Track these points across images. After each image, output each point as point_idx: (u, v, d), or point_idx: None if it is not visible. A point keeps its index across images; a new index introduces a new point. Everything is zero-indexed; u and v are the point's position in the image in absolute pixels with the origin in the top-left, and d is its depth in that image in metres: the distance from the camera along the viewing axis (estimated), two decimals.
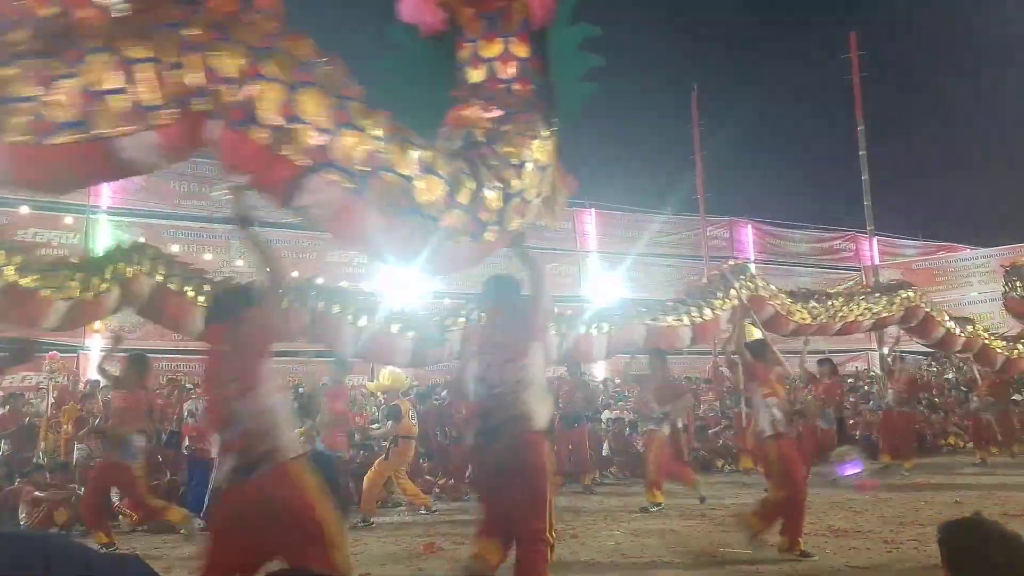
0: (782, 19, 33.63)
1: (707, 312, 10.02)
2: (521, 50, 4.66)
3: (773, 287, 10.94)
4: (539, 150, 4.51)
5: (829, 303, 11.19)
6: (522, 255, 4.67)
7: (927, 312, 11.98)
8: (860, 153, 22.61)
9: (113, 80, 3.37)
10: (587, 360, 11.46)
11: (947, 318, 12.41)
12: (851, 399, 15.14)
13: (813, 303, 11.05)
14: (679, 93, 24.38)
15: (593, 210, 22.50)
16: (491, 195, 4.24)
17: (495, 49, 4.62)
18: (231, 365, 3.55)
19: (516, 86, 4.67)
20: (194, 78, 3.48)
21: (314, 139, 3.68)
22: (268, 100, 3.58)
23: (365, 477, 8.72)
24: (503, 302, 4.49)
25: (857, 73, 21.74)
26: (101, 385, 10.42)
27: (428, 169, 4.03)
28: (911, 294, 11.85)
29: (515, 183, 4.36)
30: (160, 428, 10.09)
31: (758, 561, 5.91)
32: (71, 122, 3.34)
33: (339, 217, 3.91)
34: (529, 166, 4.44)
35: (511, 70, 4.67)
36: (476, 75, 4.66)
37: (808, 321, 10.86)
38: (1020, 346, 13.10)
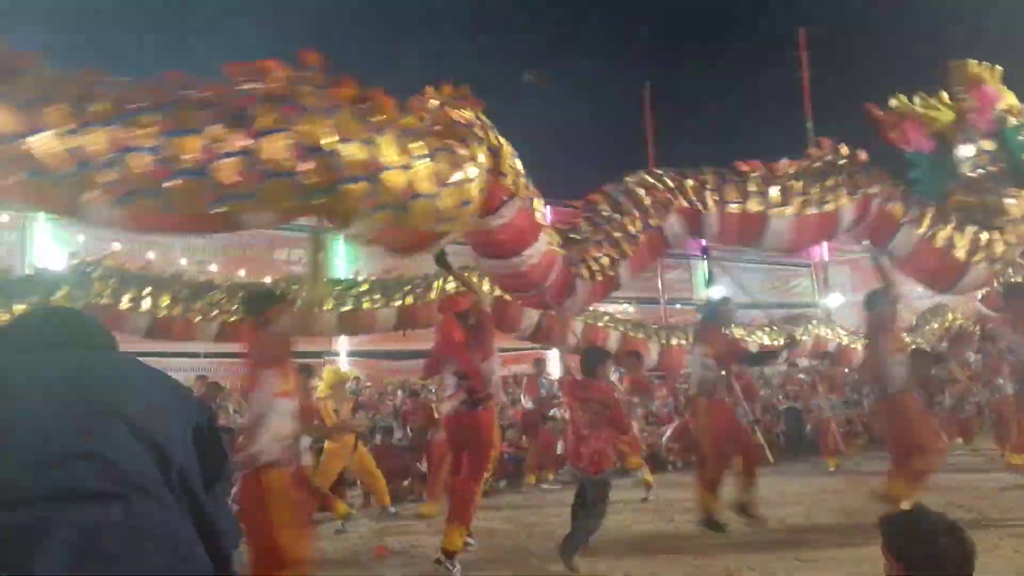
0: (731, 13, 33.97)
1: None
2: (988, 145, 6.96)
3: None
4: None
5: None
6: None
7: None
8: (809, 151, 22.80)
9: None
10: None
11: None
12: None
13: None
14: (630, 90, 24.48)
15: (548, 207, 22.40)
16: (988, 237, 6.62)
17: (971, 150, 6.95)
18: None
19: (991, 168, 6.95)
20: None
21: None
22: None
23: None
24: None
25: (806, 70, 21.99)
26: None
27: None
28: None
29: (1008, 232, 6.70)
30: None
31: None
32: None
33: None
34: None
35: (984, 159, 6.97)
36: (967, 167, 7.01)
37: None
38: (677, 337, 10.64)
